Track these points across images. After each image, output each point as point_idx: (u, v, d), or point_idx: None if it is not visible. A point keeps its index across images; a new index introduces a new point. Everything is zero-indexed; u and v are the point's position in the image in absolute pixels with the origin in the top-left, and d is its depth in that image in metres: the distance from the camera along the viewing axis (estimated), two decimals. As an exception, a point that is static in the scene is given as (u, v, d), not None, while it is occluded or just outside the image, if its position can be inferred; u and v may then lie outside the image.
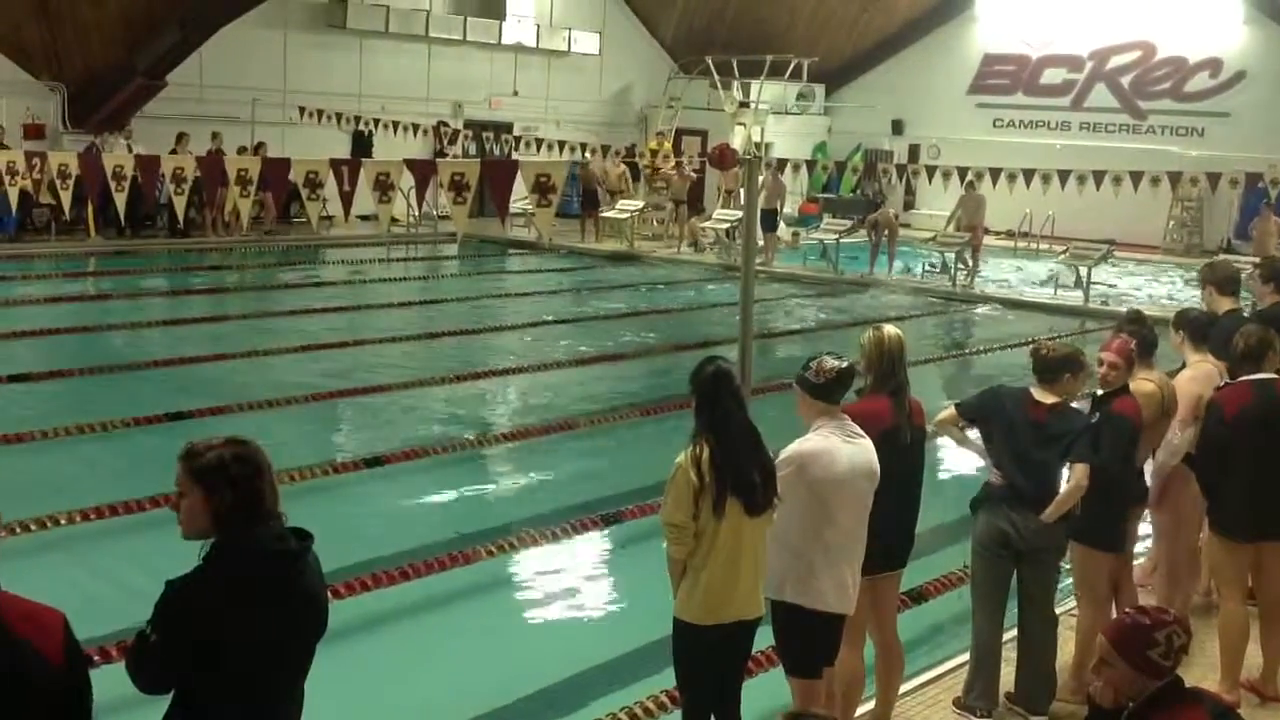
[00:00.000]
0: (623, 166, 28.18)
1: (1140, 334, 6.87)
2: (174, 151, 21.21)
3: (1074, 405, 6.27)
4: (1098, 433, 6.17)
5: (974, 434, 6.39)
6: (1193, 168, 23.88)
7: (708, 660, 5.05)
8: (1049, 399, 6.07)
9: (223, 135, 23.55)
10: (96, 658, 5.52)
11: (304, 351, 14.68)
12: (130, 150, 21.05)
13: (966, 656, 6.55)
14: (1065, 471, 6.01)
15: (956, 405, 6.36)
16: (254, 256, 23.17)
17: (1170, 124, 30.90)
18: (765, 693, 5.97)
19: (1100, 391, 6.48)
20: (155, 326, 16.10)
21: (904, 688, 6.39)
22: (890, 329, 5.86)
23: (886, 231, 23.78)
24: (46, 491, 9.05)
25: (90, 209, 21.54)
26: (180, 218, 19.32)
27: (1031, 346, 6.34)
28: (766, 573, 5.16)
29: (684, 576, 5.00)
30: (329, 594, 3.85)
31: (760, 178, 20.85)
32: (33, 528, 8.11)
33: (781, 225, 25.89)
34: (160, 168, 15.34)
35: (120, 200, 15.47)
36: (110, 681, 3.60)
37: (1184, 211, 29.68)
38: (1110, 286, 22.71)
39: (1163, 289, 23.63)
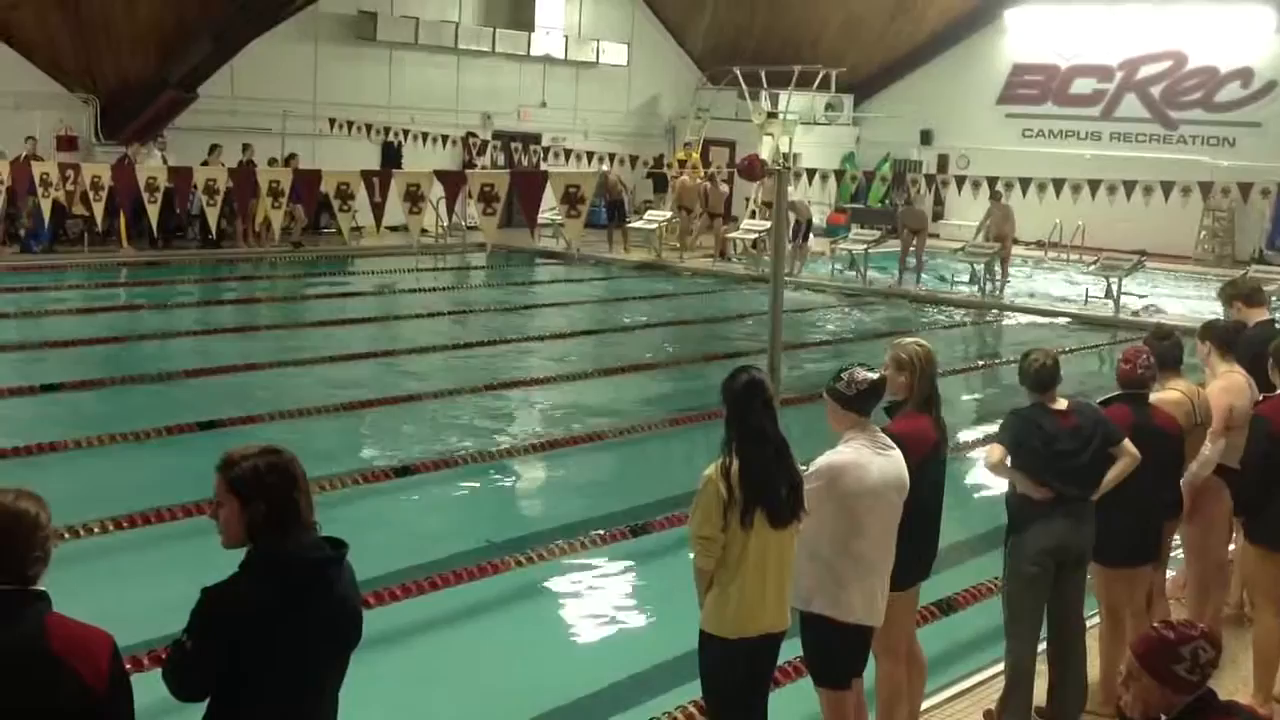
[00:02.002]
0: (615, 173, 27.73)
1: (1162, 348, 6.82)
2: (206, 163, 21.36)
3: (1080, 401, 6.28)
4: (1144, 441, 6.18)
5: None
6: (1224, 178, 23.70)
7: (735, 672, 5.05)
8: (1062, 404, 6.07)
9: (254, 147, 23.72)
10: (129, 666, 5.57)
11: (334, 362, 14.73)
12: (164, 162, 21.23)
13: (994, 670, 6.53)
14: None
15: (998, 441, 6.13)
16: (284, 267, 23.30)
17: (1201, 134, 30.72)
18: (794, 704, 5.96)
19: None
20: (187, 336, 16.21)
21: (932, 701, 6.39)
22: (926, 344, 5.86)
23: (915, 241, 23.71)
24: (79, 501, 9.09)
25: (122, 220, 21.70)
26: (213, 228, 19.43)
27: (1022, 364, 6.20)
28: (793, 585, 5.16)
29: (710, 589, 5.00)
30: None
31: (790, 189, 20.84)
32: (66, 536, 8.15)
33: (811, 238, 25.85)
34: (193, 179, 15.49)
35: (153, 211, 15.63)
36: (145, 690, 3.62)
37: (1215, 222, 29.48)
38: (1142, 298, 22.59)
39: (1194, 301, 23.48)
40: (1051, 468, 5.95)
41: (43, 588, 3.37)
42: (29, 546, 3.32)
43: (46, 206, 17.49)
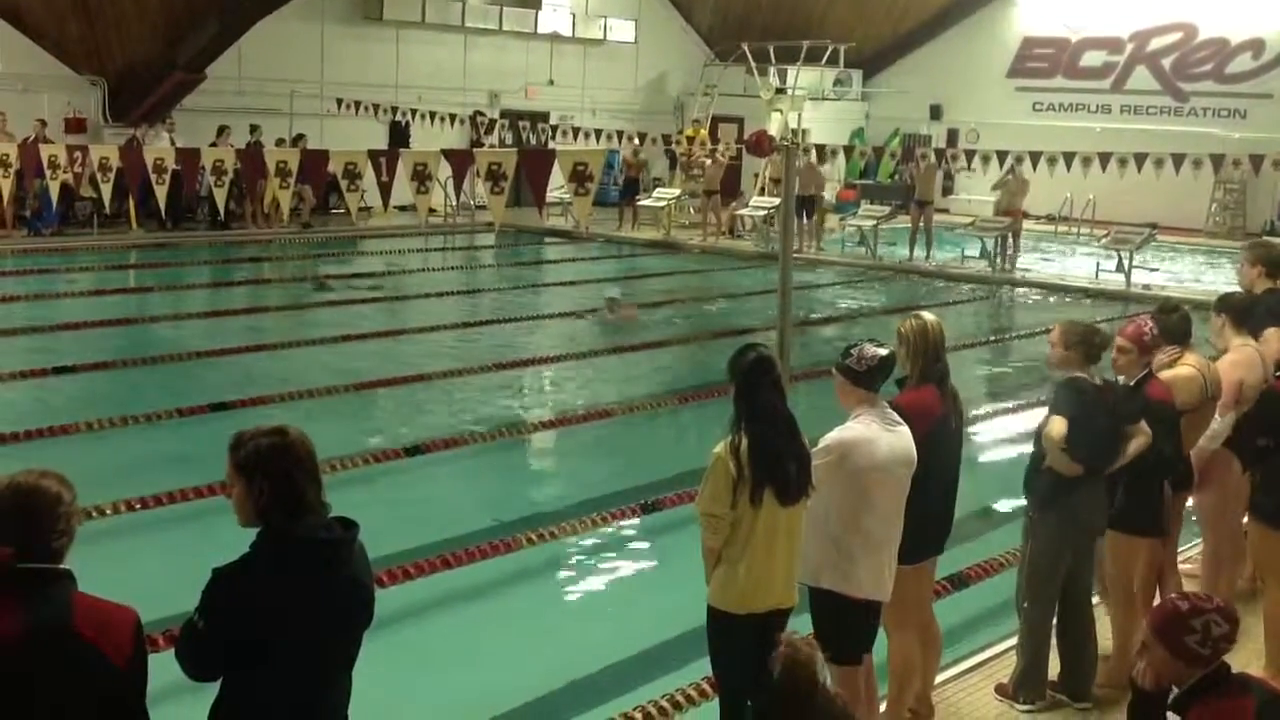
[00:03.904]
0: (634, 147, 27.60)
1: (1170, 322, 6.77)
2: (215, 144, 21.35)
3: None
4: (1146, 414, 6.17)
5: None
6: (1235, 150, 23.60)
7: (743, 648, 5.04)
8: (1098, 379, 6.06)
9: (261, 128, 23.71)
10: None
11: (344, 342, 14.76)
12: (172, 143, 21.23)
13: (1006, 644, 6.54)
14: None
15: (1056, 412, 5.89)
16: (293, 248, 23.32)
17: (1212, 105, 30.57)
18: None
19: (1122, 380, 6.42)
20: (197, 318, 16.24)
21: (944, 675, 6.40)
22: (930, 316, 5.83)
23: (923, 218, 23.60)
24: (91, 483, 9.03)
25: (131, 202, 21.72)
26: (221, 210, 19.46)
27: (1081, 333, 6.07)
28: (802, 560, 5.16)
29: (719, 565, 5.00)
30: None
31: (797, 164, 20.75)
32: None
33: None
34: (201, 160, 15.49)
35: (161, 193, 15.60)
36: (159, 669, 3.64)
37: (1226, 194, 29.36)
38: (1152, 270, 22.52)
39: (1205, 272, 23.41)
40: (1094, 441, 5.91)
41: (68, 566, 3.38)
42: (50, 524, 3.34)
43: (55, 189, 17.48)
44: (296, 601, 3.51)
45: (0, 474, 3.47)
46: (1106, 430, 5.96)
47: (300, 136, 23.94)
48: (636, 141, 26.36)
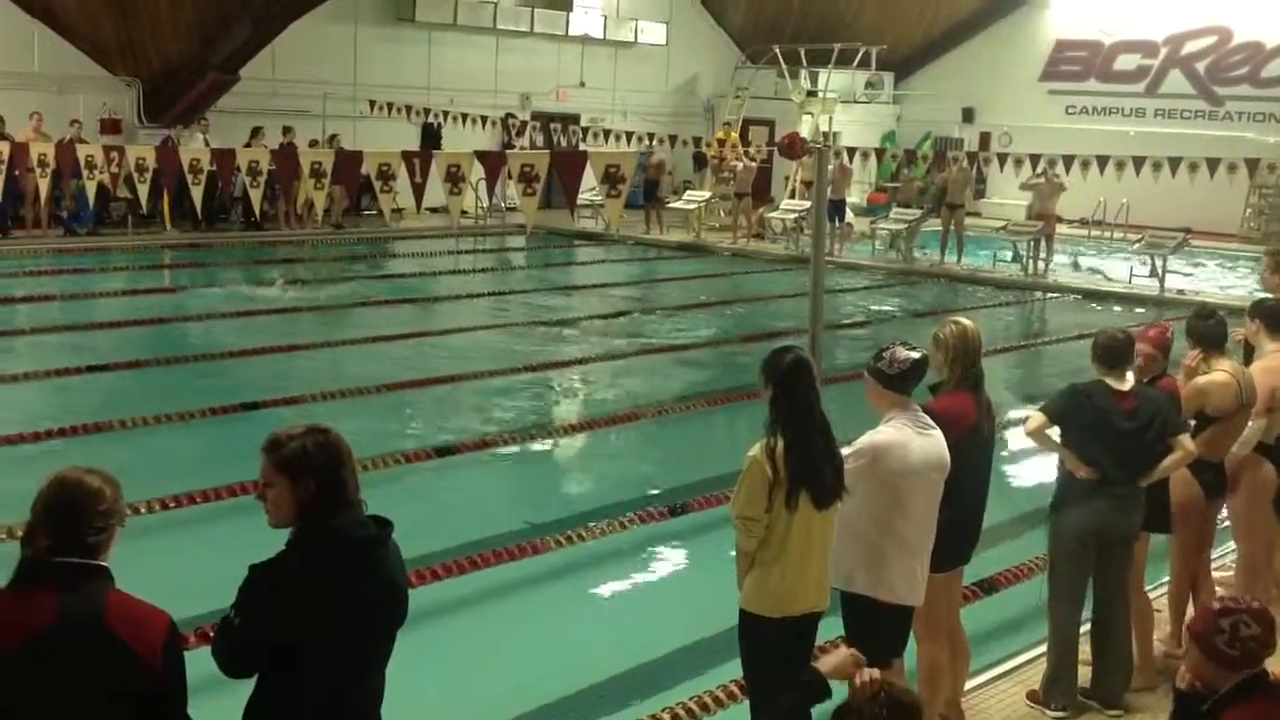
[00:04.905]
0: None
1: (1206, 327, 6.75)
2: (249, 145, 21.47)
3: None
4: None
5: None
6: (1270, 154, 23.44)
7: (776, 651, 5.04)
8: (1124, 385, 6.01)
9: (294, 129, 23.84)
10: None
11: (376, 343, 14.82)
12: (206, 144, 21.36)
13: (1037, 650, 6.51)
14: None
15: (1042, 410, 6.16)
16: (326, 249, 23.43)
17: (1247, 110, 30.34)
18: (834, 683, 5.95)
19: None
20: (230, 318, 16.32)
21: (975, 681, 6.37)
22: (969, 322, 5.83)
23: (954, 220, 23.47)
24: (125, 481, 9.16)
25: (165, 202, 21.87)
26: (256, 210, 19.58)
27: (1094, 337, 6.20)
28: (834, 564, 5.15)
29: (752, 568, 4.99)
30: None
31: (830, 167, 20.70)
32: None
33: (850, 215, 25.71)
34: (235, 160, 15.58)
35: (197, 193, 15.70)
36: (193, 666, 3.66)
37: (1261, 199, 29.13)
38: (1186, 276, 22.37)
39: (1238, 278, 23.23)
40: (1103, 447, 5.90)
41: (106, 563, 3.40)
42: (88, 520, 3.35)
43: (91, 189, 17.65)
44: (332, 599, 3.52)
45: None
46: (1128, 439, 5.92)
47: (334, 136, 24.10)
48: (649, 143, 26.35)
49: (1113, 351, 6.04)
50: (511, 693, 6.61)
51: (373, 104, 25.73)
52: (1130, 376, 6.08)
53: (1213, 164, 21.18)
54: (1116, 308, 20.04)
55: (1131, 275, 21.74)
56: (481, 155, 12.99)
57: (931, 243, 24.36)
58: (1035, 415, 6.13)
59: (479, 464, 10.59)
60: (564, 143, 25.94)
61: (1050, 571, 6.21)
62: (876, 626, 5.30)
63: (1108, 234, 27.16)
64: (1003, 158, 24.57)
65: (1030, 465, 10.27)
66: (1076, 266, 22.83)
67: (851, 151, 25.64)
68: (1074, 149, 23.06)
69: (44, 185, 18.49)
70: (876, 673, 3.55)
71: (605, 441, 11.73)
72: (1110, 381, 6.02)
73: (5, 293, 17.47)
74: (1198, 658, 3.72)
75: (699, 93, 33.65)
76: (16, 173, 19.36)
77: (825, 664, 3.79)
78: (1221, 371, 6.67)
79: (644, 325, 17.38)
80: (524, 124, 27.15)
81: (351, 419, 11.16)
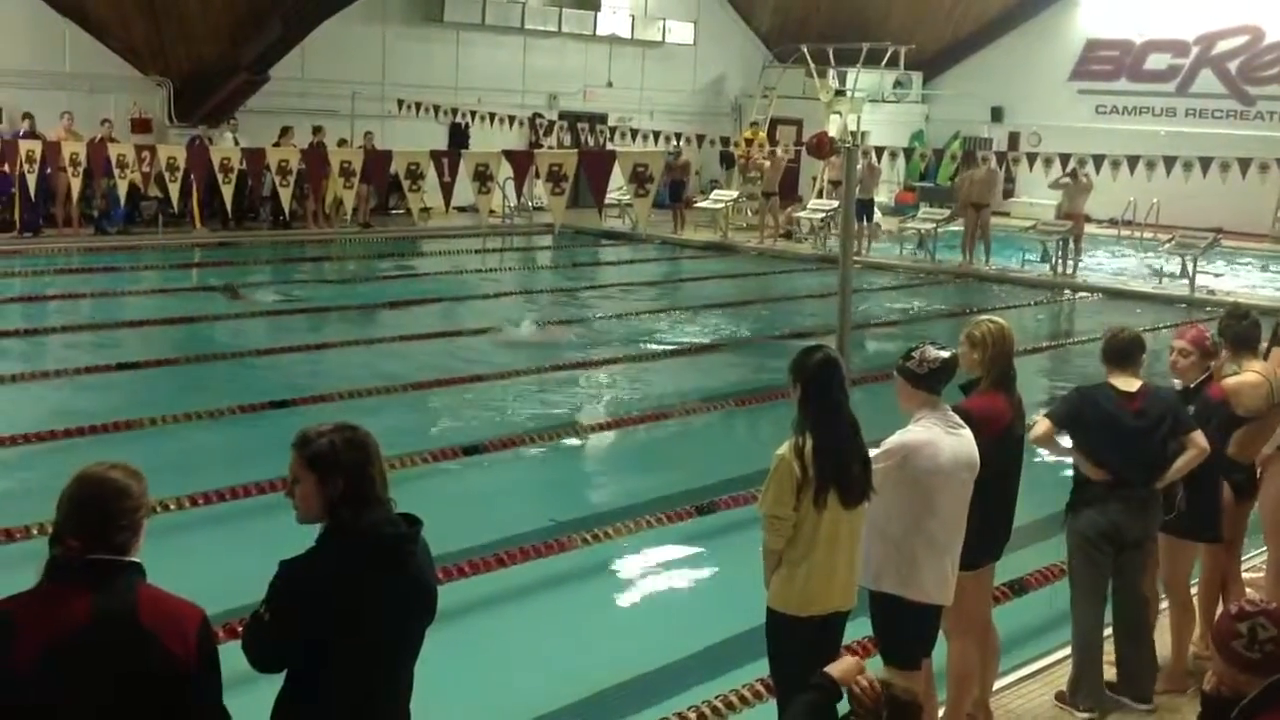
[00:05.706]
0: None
1: (1241, 328, 6.71)
2: (278, 144, 21.58)
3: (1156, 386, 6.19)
4: (1204, 417, 6.10)
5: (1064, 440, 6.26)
6: (1303, 155, 23.22)
7: (803, 650, 5.03)
8: (1133, 385, 5.98)
9: (324, 129, 23.94)
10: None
11: (403, 341, 14.86)
12: (235, 144, 21.48)
13: (1066, 651, 6.48)
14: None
15: (1048, 416, 6.16)
16: (354, 248, 23.52)
17: (1279, 109, 30.08)
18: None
19: (1179, 384, 6.37)
20: (259, 317, 16.41)
21: (1004, 681, 6.35)
22: (1003, 321, 5.81)
23: (979, 221, 23.27)
24: (155, 477, 9.21)
25: (195, 201, 22.00)
26: (285, 209, 19.67)
27: (1102, 337, 6.18)
28: (862, 563, 5.14)
29: (779, 567, 4.98)
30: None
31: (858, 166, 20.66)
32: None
33: (879, 214, 25.64)
34: (265, 160, 15.67)
35: (227, 193, 15.80)
36: (221, 662, 3.69)
37: (1293, 199, 28.88)
38: (1217, 276, 22.20)
39: (1268, 279, 23.06)
40: (1112, 448, 5.88)
41: (136, 559, 3.41)
42: (116, 516, 3.35)
43: (122, 188, 17.77)
44: (362, 595, 3.54)
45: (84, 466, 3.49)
46: (1137, 438, 5.88)
47: (368, 134, 24.24)
48: (676, 143, 26.35)
49: (1118, 350, 6.03)
50: (539, 690, 6.63)
51: (401, 103, 25.83)
52: (1135, 381, 6.04)
53: (1244, 164, 21.03)
54: (1142, 309, 19.88)
55: (1161, 275, 21.58)
56: (509, 155, 13.03)
57: (953, 244, 24.22)
58: (1041, 421, 6.11)
59: (505, 462, 10.61)
60: (591, 142, 25.94)
61: (1069, 573, 6.22)
62: (905, 626, 5.29)
63: (1138, 234, 26.99)
64: (1032, 157, 24.42)
65: (1057, 465, 10.21)
66: (1158, 274, 22.15)
67: (880, 151, 25.55)
68: (1104, 149, 22.92)
69: (75, 184, 18.64)
70: (874, 674, 3.61)
71: (632, 440, 11.73)
72: (1118, 382, 6.00)
73: (37, 291, 17.62)
74: (1220, 662, 3.70)
75: (726, 92, 33.61)
76: (48, 172, 19.54)
77: (834, 669, 3.81)
78: (1252, 372, 6.63)
79: (671, 324, 17.38)
80: (551, 124, 27.18)
81: (379, 417, 11.19)
